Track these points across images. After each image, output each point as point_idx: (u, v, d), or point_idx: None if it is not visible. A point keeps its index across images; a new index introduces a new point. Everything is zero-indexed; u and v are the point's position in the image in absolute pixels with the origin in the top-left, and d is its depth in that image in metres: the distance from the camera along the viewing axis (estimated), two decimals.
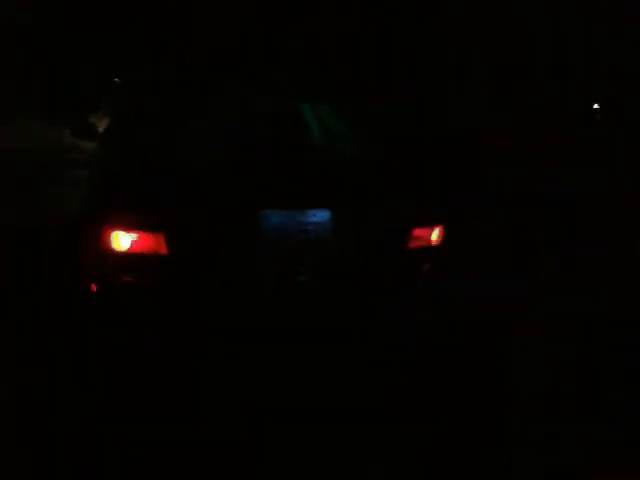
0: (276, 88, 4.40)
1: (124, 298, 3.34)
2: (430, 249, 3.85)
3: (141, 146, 3.86)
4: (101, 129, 4.90)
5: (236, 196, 3.43)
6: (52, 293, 4.61)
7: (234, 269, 3.37)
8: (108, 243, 3.27)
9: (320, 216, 3.47)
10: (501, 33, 17.49)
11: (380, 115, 5.53)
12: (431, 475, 2.93)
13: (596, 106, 19.13)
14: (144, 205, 3.32)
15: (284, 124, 4.13)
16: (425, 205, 3.81)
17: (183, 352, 3.51)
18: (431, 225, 3.82)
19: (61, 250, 5.17)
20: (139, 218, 3.27)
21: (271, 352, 3.55)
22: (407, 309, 3.70)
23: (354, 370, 3.68)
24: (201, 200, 3.36)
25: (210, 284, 3.32)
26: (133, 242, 3.28)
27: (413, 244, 3.75)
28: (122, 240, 3.28)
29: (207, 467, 2.87)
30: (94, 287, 3.41)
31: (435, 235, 3.87)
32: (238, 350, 3.48)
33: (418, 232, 3.75)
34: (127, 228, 3.26)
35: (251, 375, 3.54)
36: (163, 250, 3.25)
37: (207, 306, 3.34)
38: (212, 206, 3.36)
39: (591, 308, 4.99)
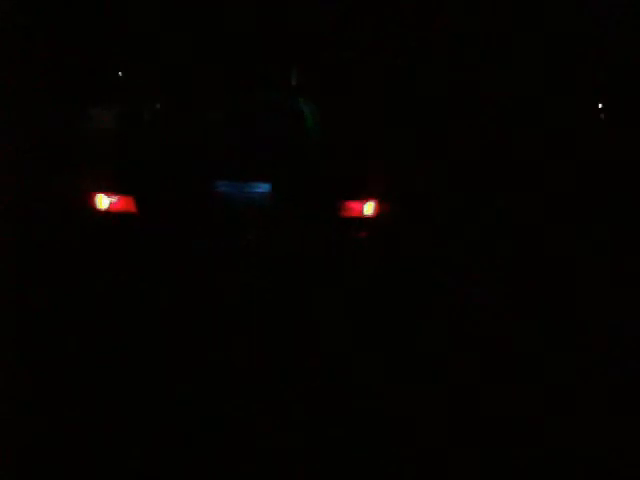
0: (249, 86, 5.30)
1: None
2: (363, 219, 4.61)
3: (134, 135, 4.80)
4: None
5: (197, 171, 4.31)
6: None
7: (192, 226, 4.25)
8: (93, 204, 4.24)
9: (263, 187, 4.30)
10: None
11: (334, 110, 6.29)
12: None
13: (600, 105, 19.42)
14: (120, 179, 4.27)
15: (247, 117, 4.99)
16: (359, 184, 4.58)
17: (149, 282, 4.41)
18: (363, 200, 4.58)
19: None
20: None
21: (217, 296, 4.41)
22: (335, 266, 4.49)
23: (292, 306, 4.50)
24: (168, 174, 4.26)
25: (170, 236, 4.20)
26: (112, 202, 4.22)
27: (345, 214, 4.53)
28: (104, 201, 4.23)
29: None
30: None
31: (368, 208, 4.62)
32: (191, 285, 4.36)
33: (350, 204, 4.52)
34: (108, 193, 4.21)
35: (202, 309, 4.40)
36: (133, 208, 4.16)
37: (168, 253, 4.22)
38: (176, 178, 4.25)
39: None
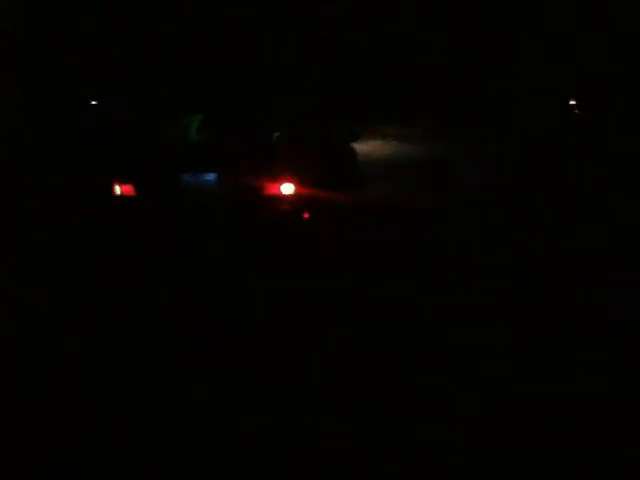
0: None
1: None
2: (282, 197, 7.05)
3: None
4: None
5: (170, 166, 6.96)
6: None
7: (167, 201, 6.87)
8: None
9: (210, 177, 6.86)
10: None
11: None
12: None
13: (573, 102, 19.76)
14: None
15: (215, 131, 7.59)
16: (274, 171, 7.05)
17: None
18: (280, 181, 7.03)
19: None
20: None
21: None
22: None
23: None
24: (152, 169, 6.94)
25: (154, 208, 6.85)
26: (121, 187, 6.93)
27: (268, 192, 6.99)
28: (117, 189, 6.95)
29: None
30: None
31: (285, 189, 7.05)
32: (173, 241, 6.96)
33: (269, 186, 6.99)
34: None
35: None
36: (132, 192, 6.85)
37: (154, 220, 6.85)
38: (157, 171, 6.92)
39: None
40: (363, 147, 14.06)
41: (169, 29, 17.39)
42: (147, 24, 17.16)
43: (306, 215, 7.54)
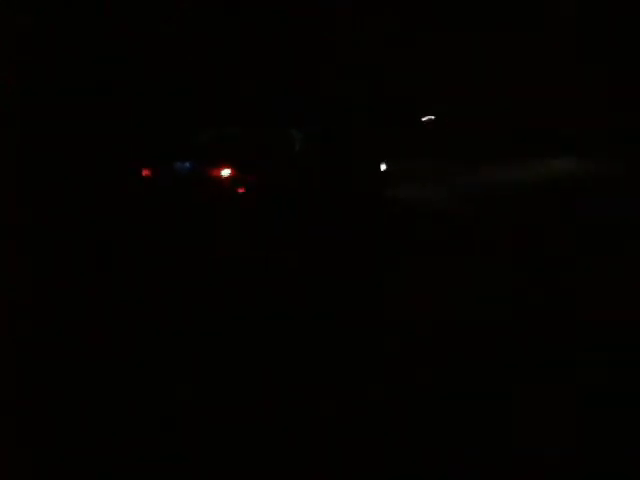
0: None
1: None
2: (222, 178, 13.61)
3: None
4: None
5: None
6: None
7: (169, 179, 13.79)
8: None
9: (187, 165, 13.76)
10: None
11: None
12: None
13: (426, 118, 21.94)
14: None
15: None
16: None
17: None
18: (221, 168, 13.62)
19: None
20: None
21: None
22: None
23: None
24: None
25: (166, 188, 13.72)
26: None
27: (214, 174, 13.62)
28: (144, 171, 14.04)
29: None
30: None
31: (224, 172, 13.63)
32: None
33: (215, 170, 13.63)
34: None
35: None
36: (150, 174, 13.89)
37: (166, 198, 13.70)
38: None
39: None
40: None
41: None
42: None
43: (241, 190, 13.88)
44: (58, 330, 5.58)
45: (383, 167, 15.94)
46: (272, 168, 13.90)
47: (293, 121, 14.71)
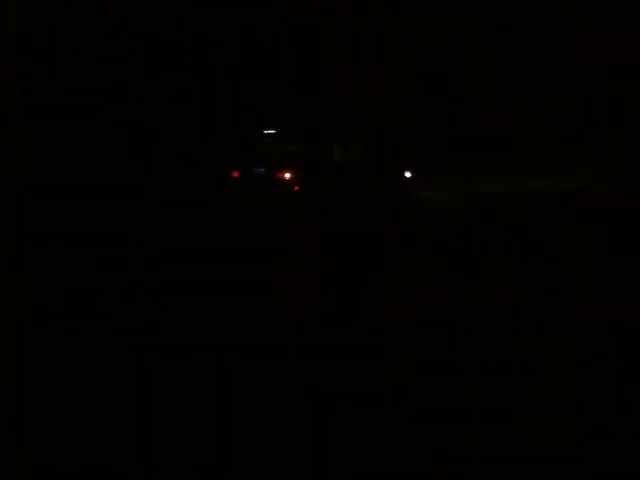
0: None
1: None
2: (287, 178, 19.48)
3: None
4: None
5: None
6: None
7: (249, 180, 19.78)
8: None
9: (261, 170, 19.76)
10: None
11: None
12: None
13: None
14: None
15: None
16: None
17: None
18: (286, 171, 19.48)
19: None
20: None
21: None
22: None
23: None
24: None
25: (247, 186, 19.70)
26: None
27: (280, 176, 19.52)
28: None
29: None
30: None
31: (288, 175, 19.49)
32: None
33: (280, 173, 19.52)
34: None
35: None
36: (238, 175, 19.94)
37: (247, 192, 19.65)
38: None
39: None
40: None
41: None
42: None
43: (297, 187, 19.57)
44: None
45: (408, 175, 21.59)
46: (318, 173, 19.82)
47: (335, 139, 20.55)
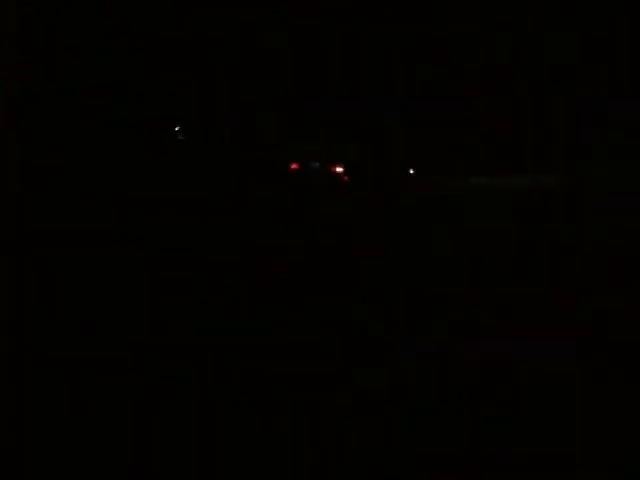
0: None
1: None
2: (338, 172, 22.50)
3: None
4: None
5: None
6: None
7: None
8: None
9: (316, 164, 22.50)
10: None
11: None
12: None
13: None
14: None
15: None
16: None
17: None
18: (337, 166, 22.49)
19: None
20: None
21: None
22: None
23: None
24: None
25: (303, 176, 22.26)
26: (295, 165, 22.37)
27: (333, 170, 22.53)
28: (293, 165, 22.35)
29: None
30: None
31: (339, 169, 22.52)
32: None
33: (334, 167, 22.55)
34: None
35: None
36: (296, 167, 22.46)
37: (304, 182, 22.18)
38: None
39: None
40: None
41: None
42: None
43: (346, 178, 22.52)
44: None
45: (411, 171, 25.64)
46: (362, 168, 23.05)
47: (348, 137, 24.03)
